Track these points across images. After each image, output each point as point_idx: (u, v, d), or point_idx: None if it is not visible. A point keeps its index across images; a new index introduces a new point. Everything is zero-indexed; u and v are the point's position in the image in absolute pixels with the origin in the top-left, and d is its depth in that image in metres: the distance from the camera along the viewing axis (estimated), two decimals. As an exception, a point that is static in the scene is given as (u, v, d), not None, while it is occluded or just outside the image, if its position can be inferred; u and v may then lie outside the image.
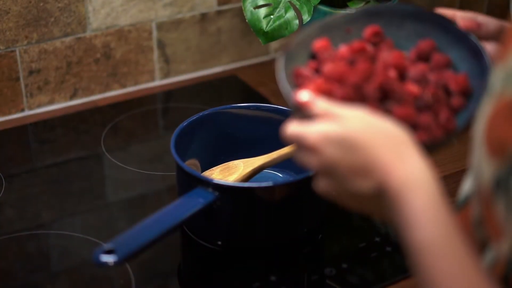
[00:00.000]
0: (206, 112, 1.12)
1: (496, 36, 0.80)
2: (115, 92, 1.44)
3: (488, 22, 0.80)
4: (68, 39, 1.35)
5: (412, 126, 0.72)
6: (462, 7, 1.70)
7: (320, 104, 0.69)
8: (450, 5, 1.70)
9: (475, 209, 0.65)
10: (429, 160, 0.66)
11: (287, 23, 1.23)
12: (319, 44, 0.79)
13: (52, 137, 1.32)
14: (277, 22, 1.22)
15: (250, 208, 0.99)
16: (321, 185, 0.70)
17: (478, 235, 0.65)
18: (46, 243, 1.07)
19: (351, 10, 0.81)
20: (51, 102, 1.38)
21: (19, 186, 1.18)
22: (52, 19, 1.32)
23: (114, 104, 1.40)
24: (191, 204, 0.95)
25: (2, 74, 1.31)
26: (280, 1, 1.23)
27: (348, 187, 0.67)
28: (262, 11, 1.23)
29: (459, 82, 0.76)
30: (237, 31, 1.52)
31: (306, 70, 0.77)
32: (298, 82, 0.76)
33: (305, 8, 1.23)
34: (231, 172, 1.06)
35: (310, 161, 0.69)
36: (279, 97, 1.42)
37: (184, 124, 1.08)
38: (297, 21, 1.23)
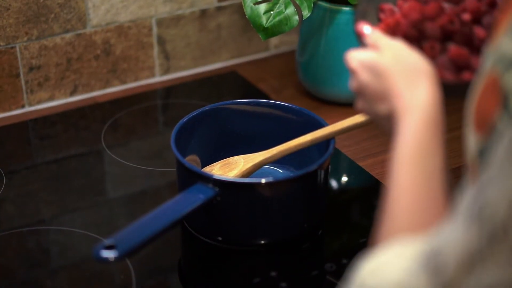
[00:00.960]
0: (206, 108, 1.12)
1: None
2: (115, 89, 1.44)
3: None
4: (68, 36, 1.35)
5: (464, 66, 0.78)
6: None
7: (373, 35, 0.80)
8: None
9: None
10: (439, 92, 0.72)
11: (287, 19, 1.23)
12: None
13: (52, 133, 1.32)
14: (277, 18, 1.22)
15: (251, 204, 0.99)
16: (358, 103, 0.81)
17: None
18: (46, 239, 1.07)
19: None
20: (51, 98, 1.38)
21: (20, 182, 1.18)
22: (52, 16, 1.32)
23: (114, 100, 1.40)
24: (191, 200, 0.95)
25: (2, 71, 1.31)
26: (280, -3, 1.23)
27: (373, 108, 0.78)
28: (262, 7, 1.23)
29: None
30: (237, 27, 1.52)
31: (390, 5, 0.86)
32: (381, 16, 0.85)
33: (305, 4, 1.23)
34: (231, 168, 1.06)
35: (351, 81, 0.80)
36: (279, 93, 1.43)
37: (184, 120, 1.08)
38: (297, 17, 1.23)
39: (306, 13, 1.23)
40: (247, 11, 1.23)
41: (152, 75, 1.47)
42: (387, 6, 0.86)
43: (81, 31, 1.36)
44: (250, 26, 1.51)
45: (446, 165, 0.71)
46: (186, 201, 0.95)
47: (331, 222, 1.08)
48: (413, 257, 0.60)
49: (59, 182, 1.18)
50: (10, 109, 1.35)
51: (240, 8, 1.50)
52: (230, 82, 1.50)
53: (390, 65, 0.75)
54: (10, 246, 1.05)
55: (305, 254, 1.03)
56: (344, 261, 1.00)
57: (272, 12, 1.23)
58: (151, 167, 1.21)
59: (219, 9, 1.48)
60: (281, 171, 1.14)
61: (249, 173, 1.06)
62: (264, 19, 1.22)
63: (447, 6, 0.83)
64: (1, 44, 1.30)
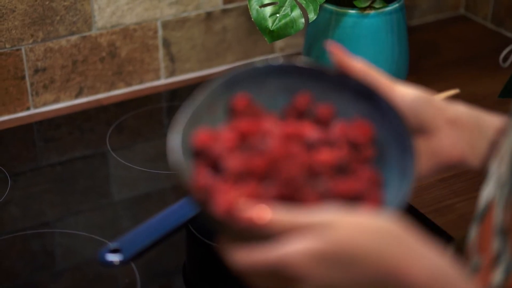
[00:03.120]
0: (211, 111, 1.11)
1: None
2: (120, 91, 1.44)
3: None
4: (73, 38, 1.35)
5: (357, 198, 0.61)
6: (468, 7, 1.70)
7: (278, 215, 0.55)
8: (455, 6, 1.70)
9: (498, 217, 0.63)
10: (434, 245, 0.59)
11: (293, 21, 1.22)
12: (201, 137, 0.64)
13: (57, 135, 1.32)
14: (283, 21, 1.22)
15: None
16: None
17: (496, 244, 0.62)
18: (50, 241, 1.07)
19: (207, 87, 0.67)
20: (56, 100, 1.38)
21: (24, 185, 1.18)
22: (58, 18, 1.32)
23: (119, 103, 1.40)
24: (196, 203, 0.95)
25: (7, 73, 1.31)
26: (286, 0, 1.23)
27: None
28: (268, 10, 1.23)
29: (364, 132, 0.66)
30: (243, 29, 1.51)
31: (203, 176, 0.60)
32: (203, 196, 0.58)
33: (311, 7, 1.22)
34: (236, 171, 1.06)
35: None
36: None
37: (190, 123, 1.08)
38: (303, 20, 1.22)
39: (312, 16, 1.22)
40: (253, 13, 1.23)
41: (158, 77, 1.47)
42: (205, 179, 0.59)
43: (87, 34, 1.36)
44: (255, 29, 1.51)
45: None
46: (191, 205, 0.95)
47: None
48: None
49: (64, 185, 1.18)
50: (15, 111, 1.35)
51: (245, 10, 1.49)
52: (235, 84, 1.49)
53: (361, 245, 0.55)
54: (14, 248, 1.05)
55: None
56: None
57: (278, 15, 1.22)
58: (156, 169, 1.21)
59: (224, 11, 1.48)
60: None
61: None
62: (270, 22, 1.22)
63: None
64: (7, 46, 1.30)
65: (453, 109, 0.72)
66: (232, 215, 0.54)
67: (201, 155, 0.63)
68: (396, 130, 0.66)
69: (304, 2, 1.22)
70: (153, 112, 1.40)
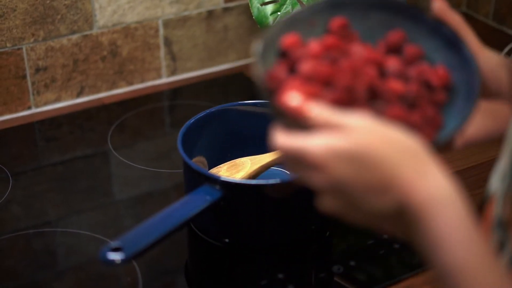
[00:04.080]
0: (213, 110, 1.11)
1: None
2: (122, 90, 1.44)
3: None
4: (74, 37, 1.35)
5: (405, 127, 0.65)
6: (469, 5, 1.70)
7: (317, 110, 0.61)
8: (457, 3, 1.70)
9: (497, 208, 0.64)
10: (450, 174, 0.61)
11: (294, 20, 1.22)
12: (288, 40, 0.70)
13: (58, 134, 1.32)
14: (284, 19, 1.22)
15: (258, 206, 0.99)
16: (328, 204, 0.63)
17: (497, 235, 0.64)
18: (52, 240, 1.07)
19: (315, 2, 0.75)
20: (57, 99, 1.38)
21: (26, 184, 1.18)
22: (59, 17, 1.32)
23: (121, 102, 1.40)
24: (198, 201, 0.95)
25: (8, 72, 1.31)
26: (287, -2, 1.23)
27: (363, 206, 0.61)
28: (269, 8, 1.22)
29: (441, 76, 0.70)
30: (244, 28, 1.51)
31: (280, 71, 0.67)
32: (273, 85, 0.66)
33: (312, 5, 1.22)
34: (238, 170, 1.06)
35: (314, 179, 0.61)
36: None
37: (191, 121, 1.08)
38: (304, 18, 1.22)
39: (313, 14, 1.22)
40: (254, 12, 1.22)
41: (159, 76, 1.47)
42: (279, 73, 0.67)
43: (88, 32, 1.36)
44: (257, 27, 1.51)
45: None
46: (193, 203, 0.95)
47: (339, 224, 1.08)
48: None
49: (66, 184, 1.18)
50: (16, 111, 1.35)
51: (247, 9, 1.49)
52: (237, 83, 1.49)
53: (380, 151, 0.60)
54: (16, 247, 1.05)
55: (313, 256, 1.03)
56: (352, 263, 1.00)
57: (279, 13, 1.22)
58: (157, 168, 1.21)
59: (226, 10, 1.48)
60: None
61: (256, 174, 1.06)
62: (271, 20, 1.22)
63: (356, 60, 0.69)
64: (8, 45, 1.30)
65: None
66: (286, 104, 0.62)
67: (285, 56, 0.70)
68: (470, 82, 0.70)
69: (305, 0, 1.22)
70: (155, 111, 1.40)
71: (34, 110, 1.37)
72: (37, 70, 1.34)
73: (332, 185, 0.61)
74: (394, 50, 0.72)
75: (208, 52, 1.50)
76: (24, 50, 1.31)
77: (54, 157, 1.26)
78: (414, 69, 0.70)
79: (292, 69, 0.68)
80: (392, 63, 0.70)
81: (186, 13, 1.44)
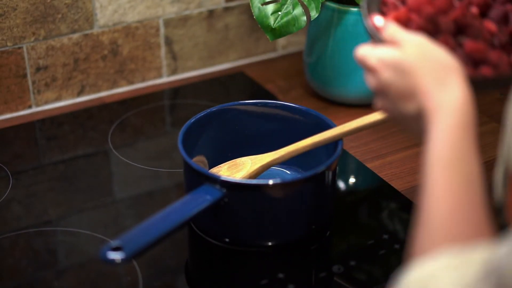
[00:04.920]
0: (213, 109, 1.11)
1: None
2: (122, 89, 1.44)
3: None
4: (75, 36, 1.35)
5: (481, 61, 0.77)
6: None
7: (389, 29, 0.77)
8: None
9: (497, 195, 0.66)
10: (470, 91, 0.70)
11: (295, 19, 1.22)
12: None
13: (59, 133, 1.32)
14: (285, 19, 1.22)
15: (258, 205, 0.99)
16: (378, 103, 0.79)
17: (498, 221, 0.65)
18: (53, 240, 1.07)
19: None
20: (58, 98, 1.38)
21: (26, 183, 1.18)
22: (60, 16, 1.32)
23: (122, 101, 1.40)
24: (198, 201, 0.95)
25: (9, 71, 1.31)
26: (288, -2, 1.23)
27: (397, 107, 0.75)
28: (270, 8, 1.22)
29: None
30: (245, 27, 1.51)
31: (390, 3, 0.83)
32: (384, 9, 0.82)
33: (312, 5, 1.22)
34: (238, 169, 1.06)
35: (370, 80, 0.77)
36: (287, 93, 1.43)
37: (192, 120, 1.08)
38: (304, 18, 1.22)
39: (314, 14, 1.22)
40: (255, 11, 1.22)
41: (160, 75, 1.47)
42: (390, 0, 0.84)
43: (88, 32, 1.36)
44: (257, 27, 1.51)
45: (482, 170, 0.68)
46: (193, 202, 0.95)
47: (339, 224, 1.08)
48: (469, 273, 0.57)
49: (66, 183, 1.18)
50: (17, 110, 1.35)
51: (247, 8, 1.49)
52: (237, 82, 1.49)
53: (416, 62, 0.72)
54: (17, 246, 1.05)
55: (313, 256, 1.03)
56: (352, 262, 1.00)
57: (280, 13, 1.22)
58: (158, 168, 1.21)
59: (226, 9, 1.48)
60: (288, 172, 1.14)
61: (256, 174, 1.06)
62: (271, 20, 1.22)
63: None
64: (8, 44, 1.30)
65: None
66: (373, 24, 0.80)
67: None
68: None
69: (306, 0, 1.22)
70: (155, 110, 1.40)
71: (34, 109, 1.37)
72: (38, 69, 1.34)
73: (380, 86, 0.76)
74: None
75: (208, 52, 1.50)
76: (24, 49, 1.31)
77: (55, 156, 1.26)
78: None
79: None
80: (498, 8, 0.81)
81: (187, 12, 1.44)
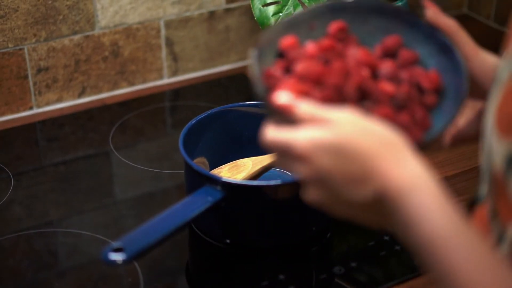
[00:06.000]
0: (214, 110, 1.11)
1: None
2: (123, 90, 1.44)
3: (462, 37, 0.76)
4: (76, 37, 1.35)
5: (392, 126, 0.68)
6: (471, 6, 1.70)
7: (304, 107, 0.64)
8: (458, 5, 1.70)
9: (489, 203, 0.65)
10: (426, 161, 0.63)
11: (296, 21, 1.22)
12: (286, 42, 0.73)
13: (60, 135, 1.32)
14: (286, 20, 1.22)
15: (259, 207, 0.99)
16: (312, 195, 0.66)
17: (494, 228, 0.65)
18: (54, 241, 1.07)
19: (315, 5, 0.77)
20: (59, 100, 1.38)
21: (27, 184, 1.18)
22: (61, 17, 1.32)
23: (122, 102, 1.40)
24: (199, 202, 0.95)
25: (10, 72, 1.32)
26: (289, -1, 1.23)
27: (343, 196, 0.63)
28: (271, 9, 1.23)
29: (432, 80, 0.73)
30: (246, 29, 1.51)
31: (276, 70, 0.71)
32: (269, 83, 0.70)
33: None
34: (239, 171, 1.06)
35: (299, 170, 0.64)
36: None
37: (193, 122, 1.08)
38: (305, 19, 1.22)
39: (314, 15, 1.22)
40: (256, 13, 1.22)
41: (160, 77, 1.47)
42: (275, 71, 0.71)
43: (90, 33, 1.36)
44: (258, 28, 1.51)
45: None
46: (194, 204, 0.95)
47: (340, 225, 1.08)
48: None
49: (67, 184, 1.18)
50: (18, 111, 1.35)
51: (248, 9, 1.49)
52: (238, 84, 1.49)
53: (359, 141, 0.62)
54: (18, 248, 1.05)
55: (313, 257, 1.03)
56: (353, 264, 1.00)
57: (280, 14, 1.22)
58: (159, 169, 1.21)
59: (227, 11, 1.48)
60: (289, 173, 1.14)
61: (257, 175, 1.06)
62: (272, 21, 1.22)
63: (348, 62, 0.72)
64: (10, 45, 1.30)
65: None
66: (276, 101, 0.66)
67: (282, 57, 0.73)
68: (459, 87, 0.72)
69: (307, 1, 1.22)
70: (156, 112, 1.40)
71: (35, 111, 1.37)
72: (39, 70, 1.34)
73: (315, 176, 0.63)
74: (390, 54, 0.75)
75: (209, 53, 1.50)
76: (26, 50, 1.32)
77: (56, 158, 1.26)
78: (406, 72, 0.73)
79: (289, 69, 0.71)
80: (386, 66, 0.73)
81: (187, 13, 1.44)
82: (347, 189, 0.63)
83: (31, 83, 1.34)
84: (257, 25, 1.48)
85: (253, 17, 1.24)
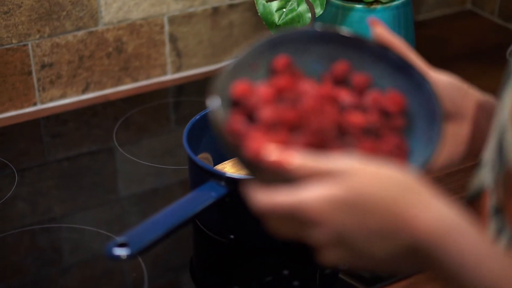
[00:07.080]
0: (218, 106, 1.11)
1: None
2: (127, 86, 1.44)
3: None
4: (80, 33, 1.35)
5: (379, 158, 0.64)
6: (475, 2, 1.69)
7: (298, 160, 0.57)
8: (462, 0, 1.70)
9: (492, 198, 0.65)
10: (445, 197, 0.59)
11: (300, 16, 1.22)
12: (238, 88, 0.67)
13: (64, 131, 1.32)
14: (290, 16, 1.22)
15: (263, 202, 0.98)
16: (332, 257, 0.60)
17: (494, 223, 0.64)
18: (58, 236, 1.07)
19: (252, 44, 0.70)
20: (63, 96, 1.38)
21: (31, 180, 1.18)
22: (64, 13, 1.32)
23: (126, 98, 1.40)
24: (203, 198, 0.95)
25: (14, 68, 1.32)
26: (293, -5, 1.23)
27: (371, 253, 0.58)
28: (275, 5, 1.22)
29: (396, 102, 0.68)
30: (249, 24, 1.51)
31: (236, 122, 0.63)
32: (236, 140, 0.61)
33: (317, 1, 1.22)
34: (243, 166, 1.06)
35: (315, 235, 0.58)
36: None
37: (196, 118, 1.08)
38: (309, 14, 1.22)
39: (318, 11, 1.22)
40: (259, 8, 1.22)
41: (164, 73, 1.47)
42: (238, 125, 0.63)
43: (93, 29, 1.36)
44: (262, 24, 1.51)
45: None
46: (198, 199, 0.95)
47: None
48: None
49: (71, 180, 1.18)
50: (22, 107, 1.35)
51: (252, 5, 1.49)
52: (242, 80, 1.49)
53: (377, 193, 0.56)
54: (22, 243, 1.05)
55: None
56: (357, 259, 1.00)
57: (284, 10, 1.22)
58: (163, 165, 1.21)
59: (231, 6, 1.48)
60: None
61: (261, 171, 1.05)
62: (276, 17, 1.22)
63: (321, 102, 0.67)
64: (13, 41, 1.30)
65: (484, 98, 0.74)
66: (260, 158, 0.56)
67: (238, 105, 0.66)
68: (427, 104, 0.68)
69: (311, -4, 1.22)
70: (160, 107, 1.40)
71: (39, 107, 1.37)
72: (43, 66, 1.34)
73: (335, 238, 0.57)
74: (341, 81, 0.70)
75: (213, 49, 1.50)
76: (29, 46, 1.32)
77: (60, 154, 1.26)
78: (368, 98, 0.69)
79: (250, 118, 0.64)
80: (345, 96, 0.68)
81: (191, 9, 1.44)
82: (374, 245, 0.57)
83: (35, 79, 1.34)
84: (261, 21, 1.48)
85: (257, 13, 1.24)
